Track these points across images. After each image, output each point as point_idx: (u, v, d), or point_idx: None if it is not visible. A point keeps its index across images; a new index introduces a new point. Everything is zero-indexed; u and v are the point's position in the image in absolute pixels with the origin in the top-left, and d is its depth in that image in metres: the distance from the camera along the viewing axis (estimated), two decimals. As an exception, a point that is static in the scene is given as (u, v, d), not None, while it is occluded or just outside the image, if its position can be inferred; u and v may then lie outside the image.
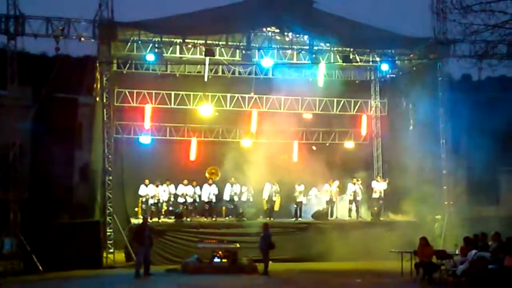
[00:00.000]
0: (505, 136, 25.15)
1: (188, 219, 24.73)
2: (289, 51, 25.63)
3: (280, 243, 22.72)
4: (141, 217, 24.00)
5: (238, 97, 27.18)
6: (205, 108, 26.62)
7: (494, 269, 16.52)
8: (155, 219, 24.13)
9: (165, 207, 25.06)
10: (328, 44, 25.10)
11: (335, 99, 28.12)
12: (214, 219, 25.17)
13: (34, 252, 21.05)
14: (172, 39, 24.32)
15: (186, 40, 24.26)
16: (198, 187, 25.36)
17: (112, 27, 22.48)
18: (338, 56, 25.75)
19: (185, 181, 25.25)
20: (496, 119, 24.64)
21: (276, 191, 25.78)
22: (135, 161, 26.29)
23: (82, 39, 22.38)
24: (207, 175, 25.95)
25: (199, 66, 26.64)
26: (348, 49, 25.39)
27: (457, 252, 18.97)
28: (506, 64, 19.39)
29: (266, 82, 27.62)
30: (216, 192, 25.35)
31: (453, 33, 19.89)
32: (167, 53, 24.66)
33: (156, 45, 23.84)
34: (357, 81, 29.11)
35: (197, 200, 25.36)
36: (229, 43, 24.61)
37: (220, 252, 21.51)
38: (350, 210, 26.30)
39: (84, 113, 26.23)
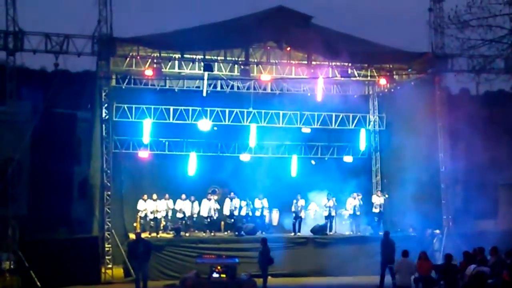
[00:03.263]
0: (503, 150, 25.12)
1: (187, 234, 24.70)
2: (288, 66, 25.71)
3: (279, 258, 22.68)
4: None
5: (236, 111, 27.23)
6: (203, 123, 26.65)
7: (493, 284, 16.45)
8: (154, 234, 24.11)
9: (163, 222, 25.07)
10: (326, 59, 25.20)
11: (334, 114, 28.19)
12: (213, 234, 25.13)
13: (32, 268, 20.96)
14: (171, 55, 24.46)
15: (185, 56, 24.43)
16: (196, 202, 25.38)
17: (111, 43, 22.56)
18: (336, 71, 25.86)
19: (183, 196, 25.29)
20: (494, 133, 24.63)
21: (264, 205, 25.94)
22: (134, 176, 26.40)
23: (81, 55, 22.45)
24: (209, 192, 26.01)
25: (197, 81, 26.70)
26: (346, 63, 25.49)
27: (456, 267, 18.89)
28: (503, 79, 19.48)
29: (264, 97, 27.72)
30: (216, 207, 25.39)
31: (450, 47, 19.97)
32: (165, 68, 24.75)
33: (155, 61, 23.93)
34: (355, 96, 29.09)
35: (195, 215, 25.35)
36: (228, 58, 24.72)
37: (219, 267, 21.38)
38: (349, 224, 26.27)
39: (83, 128, 26.26)
